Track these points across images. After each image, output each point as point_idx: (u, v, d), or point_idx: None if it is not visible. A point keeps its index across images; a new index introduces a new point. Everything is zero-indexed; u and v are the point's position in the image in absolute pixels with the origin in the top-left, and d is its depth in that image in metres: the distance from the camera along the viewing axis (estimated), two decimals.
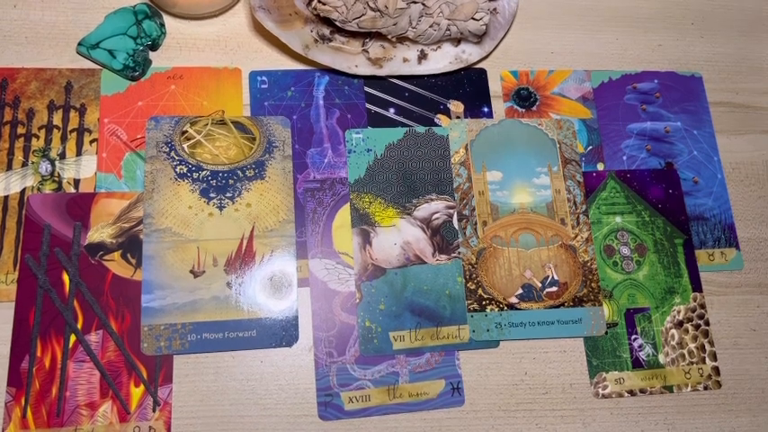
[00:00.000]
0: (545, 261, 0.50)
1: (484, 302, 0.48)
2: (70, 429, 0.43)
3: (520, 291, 0.49)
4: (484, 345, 0.48)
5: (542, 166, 0.52)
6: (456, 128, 0.53)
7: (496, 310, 0.48)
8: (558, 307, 0.49)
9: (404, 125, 0.53)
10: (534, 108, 0.55)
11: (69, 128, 0.49)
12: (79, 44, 0.50)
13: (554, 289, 0.49)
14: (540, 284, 0.49)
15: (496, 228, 0.50)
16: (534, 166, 0.52)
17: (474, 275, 0.49)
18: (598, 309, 0.49)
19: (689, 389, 0.49)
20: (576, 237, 0.51)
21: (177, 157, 0.49)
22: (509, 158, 0.52)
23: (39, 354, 0.44)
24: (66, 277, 0.45)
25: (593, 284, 0.50)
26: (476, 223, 0.50)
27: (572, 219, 0.51)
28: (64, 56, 0.51)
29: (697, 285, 0.51)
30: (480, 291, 0.48)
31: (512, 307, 0.48)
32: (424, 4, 0.50)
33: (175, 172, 0.48)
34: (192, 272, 0.46)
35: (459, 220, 0.50)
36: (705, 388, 0.49)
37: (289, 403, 0.45)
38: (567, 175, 0.52)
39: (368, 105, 0.53)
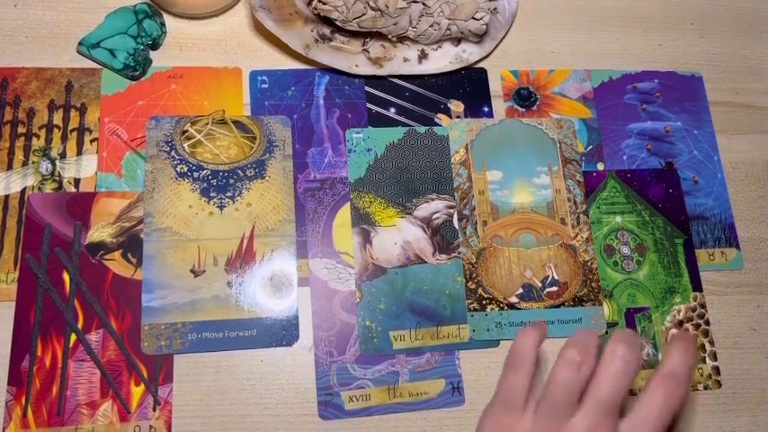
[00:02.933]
0: (545, 261, 0.50)
1: (484, 302, 0.48)
2: (71, 428, 0.43)
3: (520, 290, 0.49)
4: (484, 344, 0.48)
5: (542, 165, 0.52)
6: (456, 127, 0.53)
7: (497, 309, 0.48)
8: (558, 306, 0.49)
9: (404, 125, 0.53)
10: (534, 108, 0.55)
11: (70, 127, 0.49)
12: (80, 44, 0.50)
13: (554, 288, 0.49)
14: (540, 284, 0.49)
15: (497, 227, 0.50)
16: (534, 166, 0.52)
17: (474, 275, 0.49)
18: (598, 308, 0.49)
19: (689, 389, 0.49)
20: (576, 236, 0.51)
21: (178, 157, 0.49)
22: (509, 158, 0.52)
23: (39, 353, 0.44)
24: (66, 276, 0.45)
25: (593, 284, 0.50)
26: (476, 223, 0.50)
27: (572, 218, 0.51)
28: (64, 55, 0.51)
29: (697, 285, 0.51)
30: (480, 290, 0.48)
31: (512, 306, 0.48)
32: (424, 4, 0.50)
33: (176, 171, 0.48)
34: (192, 271, 0.46)
35: (460, 220, 0.50)
36: (705, 388, 0.49)
37: (289, 403, 0.45)
38: (568, 174, 0.52)
39: (368, 105, 0.53)
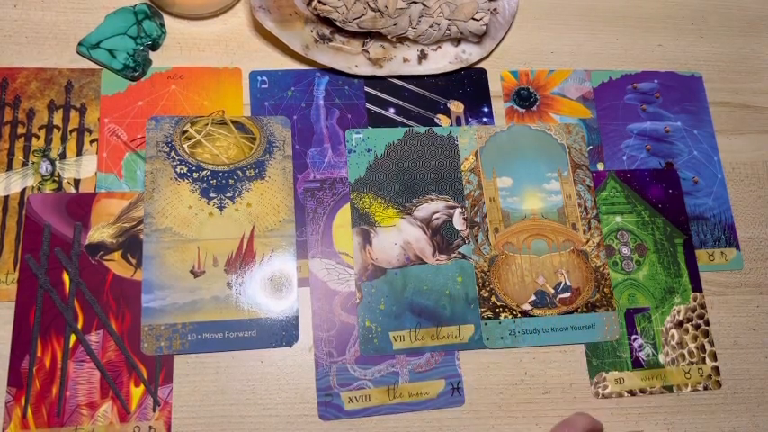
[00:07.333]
0: (557, 267, 0.50)
1: (497, 310, 0.48)
2: (70, 429, 0.43)
3: (533, 297, 0.49)
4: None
5: (552, 171, 0.52)
6: (465, 134, 0.52)
7: (510, 317, 0.48)
8: (571, 313, 0.49)
9: (404, 125, 0.53)
10: (534, 108, 0.55)
11: (69, 128, 0.49)
12: (79, 44, 0.50)
13: (567, 295, 0.49)
14: (552, 290, 0.49)
15: (508, 234, 0.50)
16: (544, 172, 0.52)
17: (487, 283, 0.49)
18: (611, 314, 0.49)
19: (689, 389, 0.49)
20: (587, 242, 0.51)
21: (177, 157, 0.49)
22: (519, 164, 0.52)
23: (39, 354, 0.44)
24: (66, 277, 0.45)
25: (605, 289, 0.50)
26: (487, 230, 0.50)
27: (583, 224, 0.51)
28: (64, 56, 0.51)
29: (697, 285, 0.51)
30: (494, 298, 0.48)
31: (525, 314, 0.48)
32: (424, 5, 0.50)
33: (175, 172, 0.48)
34: (192, 272, 0.46)
35: (471, 228, 0.50)
36: (705, 388, 0.49)
37: (289, 403, 0.45)
38: (578, 179, 0.52)
39: (368, 105, 0.53)
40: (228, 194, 0.48)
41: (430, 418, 0.46)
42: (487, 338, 0.48)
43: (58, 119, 0.49)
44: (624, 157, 0.54)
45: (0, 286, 0.45)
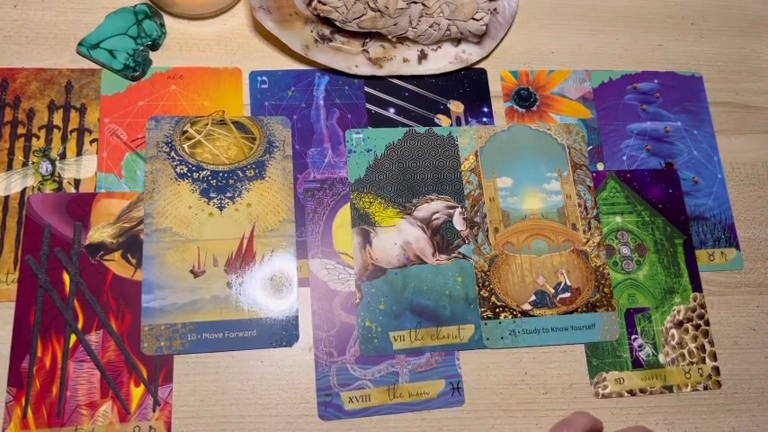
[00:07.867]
0: (557, 267, 0.50)
1: (497, 310, 0.48)
2: (71, 429, 0.43)
3: (533, 297, 0.49)
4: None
5: (552, 171, 0.52)
6: (465, 134, 0.52)
7: (510, 317, 0.48)
8: (571, 313, 0.49)
9: (404, 125, 0.53)
10: (534, 108, 0.55)
11: (70, 128, 0.49)
12: (79, 44, 0.50)
13: (567, 295, 0.49)
14: (552, 290, 0.49)
15: (508, 234, 0.50)
16: (544, 172, 0.52)
17: (487, 283, 0.49)
18: (611, 314, 0.49)
19: (689, 389, 0.49)
20: (587, 242, 0.51)
21: (177, 157, 0.49)
22: (519, 164, 0.52)
23: (39, 353, 0.44)
24: (66, 277, 0.45)
25: (605, 289, 0.50)
26: (487, 230, 0.50)
27: (583, 224, 0.51)
28: (64, 56, 0.51)
29: (697, 285, 0.51)
30: (494, 298, 0.48)
31: (525, 314, 0.48)
32: (424, 5, 0.50)
33: (176, 172, 0.48)
34: (192, 272, 0.46)
35: (471, 228, 0.50)
36: (705, 388, 0.49)
37: (289, 403, 0.45)
38: (578, 179, 0.52)
39: (368, 105, 0.53)
40: (228, 194, 0.48)
41: (430, 418, 0.46)
42: (487, 338, 0.48)
43: (58, 119, 0.49)
44: (624, 157, 0.54)
45: (0, 286, 0.45)
